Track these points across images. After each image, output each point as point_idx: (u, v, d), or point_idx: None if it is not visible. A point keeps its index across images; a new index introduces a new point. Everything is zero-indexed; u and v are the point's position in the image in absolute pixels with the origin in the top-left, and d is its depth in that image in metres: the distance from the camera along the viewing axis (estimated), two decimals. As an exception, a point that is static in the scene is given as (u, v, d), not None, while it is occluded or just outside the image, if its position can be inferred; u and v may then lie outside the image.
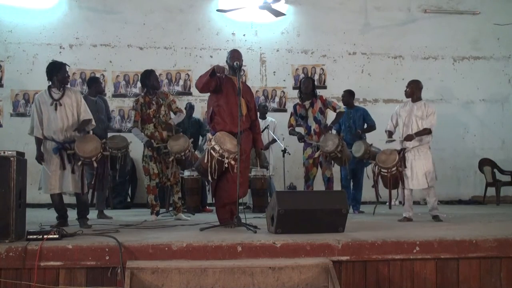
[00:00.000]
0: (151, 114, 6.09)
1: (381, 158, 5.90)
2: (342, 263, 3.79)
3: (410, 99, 5.97)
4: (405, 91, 5.98)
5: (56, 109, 5.08)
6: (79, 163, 5.04)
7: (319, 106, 6.59)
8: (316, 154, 6.42)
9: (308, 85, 6.66)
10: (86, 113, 5.26)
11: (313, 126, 6.55)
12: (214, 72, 4.99)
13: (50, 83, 5.20)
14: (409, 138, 5.74)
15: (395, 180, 5.85)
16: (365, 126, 7.51)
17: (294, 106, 6.79)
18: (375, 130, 7.47)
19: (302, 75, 9.73)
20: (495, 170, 9.47)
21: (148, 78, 6.18)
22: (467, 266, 3.96)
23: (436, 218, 5.73)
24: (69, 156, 5.04)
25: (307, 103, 6.61)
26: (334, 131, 6.86)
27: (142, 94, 6.34)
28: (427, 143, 5.77)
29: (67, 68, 5.35)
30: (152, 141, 6.07)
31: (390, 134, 6.04)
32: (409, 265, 3.89)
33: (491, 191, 9.32)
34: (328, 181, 6.52)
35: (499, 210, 7.88)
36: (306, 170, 6.56)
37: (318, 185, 6.80)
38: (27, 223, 4.15)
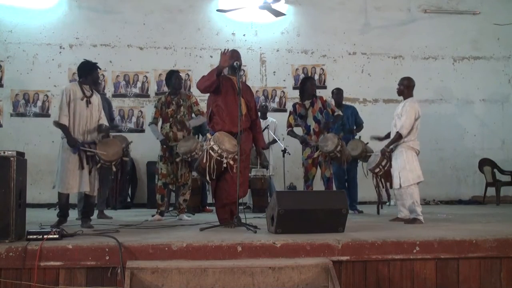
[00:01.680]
0: (169, 114, 6.19)
1: (369, 160, 6.01)
2: (342, 263, 3.79)
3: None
4: (397, 89, 5.91)
5: (87, 106, 5.08)
6: (98, 165, 5.04)
7: (319, 106, 6.59)
8: (316, 154, 6.42)
9: (314, 86, 6.72)
10: (104, 118, 5.28)
11: (313, 125, 6.55)
12: (220, 71, 4.99)
13: (81, 79, 5.20)
14: (382, 151, 5.73)
15: (390, 179, 5.83)
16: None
17: (294, 105, 6.79)
18: (362, 129, 7.53)
19: (302, 75, 9.73)
20: (495, 170, 9.47)
21: (170, 78, 6.32)
22: (467, 266, 3.95)
23: (410, 221, 5.42)
24: (88, 157, 5.01)
25: (307, 103, 6.61)
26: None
27: (166, 93, 6.41)
28: (402, 142, 5.59)
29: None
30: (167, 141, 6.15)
31: (387, 134, 5.98)
32: (409, 265, 3.89)
33: (491, 191, 9.32)
34: (328, 181, 6.53)
35: (499, 210, 7.88)
36: (306, 170, 6.56)
37: (318, 185, 6.80)
38: (27, 223, 4.15)
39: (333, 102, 7.31)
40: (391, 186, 5.92)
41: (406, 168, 5.52)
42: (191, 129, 6.38)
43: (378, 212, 6.84)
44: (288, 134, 6.85)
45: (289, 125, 6.76)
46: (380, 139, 6.08)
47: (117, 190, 5.58)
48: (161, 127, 6.27)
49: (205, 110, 6.64)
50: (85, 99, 5.08)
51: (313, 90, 6.68)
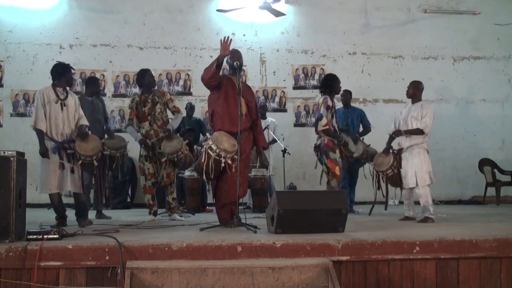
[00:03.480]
0: (146, 112, 6.12)
1: (377, 161, 5.96)
2: (342, 263, 3.79)
3: (410, 100, 5.98)
4: (407, 91, 5.99)
5: (62, 109, 5.08)
6: (79, 162, 5.04)
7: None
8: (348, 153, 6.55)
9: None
10: (83, 118, 5.29)
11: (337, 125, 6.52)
12: (220, 62, 4.96)
13: (55, 82, 5.20)
14: (397, 133, 5.82)
15: (396, 180, 5.87)
16: (361, 127, 7.56)
17: (325, 99, 6.18)
18: (370, 132, 7.52)
19: (302, 75, 9.75)
20: (495, 170, 9.46)
21: (143, 76, 6.23)
22: (467, 266, 3.96)
23: (423, 220, 5.55)
24: (69, 155, 5.03)
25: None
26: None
27: (139, 93, 6.36)
28: (420, 143, 5.73)
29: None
30: (148, 140, 6.08)
31: (391, 138, 5.97)
32: (409, 265, 3.89)
33: (491, 191, 9.31)
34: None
35: (499, 210, 7.87)
36: (339, 169, 6.10)
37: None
38: (27, 223, 4.15)
39: (341, 104, 7.31)
40: (397, 187, 5.96)
41: (423, 169, 5.67)
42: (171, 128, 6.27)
43: (370, 213, 6.82)
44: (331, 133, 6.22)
45: (326, 124, 6.08)
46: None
47: (101, 185, 5.50)
48: (140, 127, 6.17)
49: (181, 107, 6.69)
50: (59, 101, 5.08)
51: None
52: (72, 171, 5.05)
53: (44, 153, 5.01)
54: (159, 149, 6.01)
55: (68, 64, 5.32)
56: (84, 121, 5.27)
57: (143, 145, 6.09)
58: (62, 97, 5.13)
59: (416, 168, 5.69)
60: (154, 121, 6.12)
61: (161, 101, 6.18)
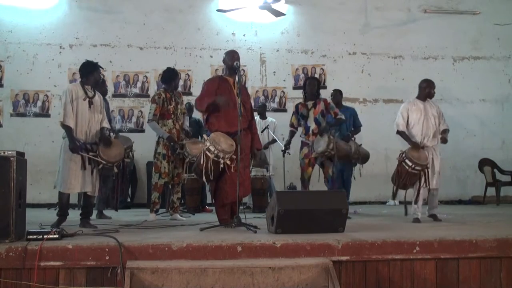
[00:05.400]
0: (171, 110, 6.13)
1: (414, 155, 5.60)
2: (342, 263, 3.80)
3: (415, 97, 6.02)
4: (431, 92, 5.95)
5: (89, 107, 5.05)
6: (100, 166, 5.01)
7: (321, 108, 6.53)
8: (313, 155, 6.41)
9: (314, 86, 6.62)
10: (106, 120, 5.25)
11: (312, 126, 6.51)
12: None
13: (83, 79, 5.18)
14: (445, 141, 5.91)
15: (416, 179, 5.68)
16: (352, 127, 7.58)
17: (296, 105, 6.76)
18: (359, 132, 7.54)
19: (302, 75, 9.74)
20: (495, 170, 9.46)
21: (175, 77, 6.28)
22: (467, 266, 3.96)
23: (435, 217, 5.78)
24: (90, 158, 4.98)
25: (309, 103, 6.58)
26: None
27: (162, 89, 6.31)
28: (437, 143, 5.86)
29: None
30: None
31: (404, 135, 5.86)
32: (409, 265, 3.89)
33: (491, 191, 9.31)
34: (331, 180, 6.46)
35: (499, 210, 7.88)
36: (302, 170, 6.54)
37: (319, 185, 6.79)
38: (27, 223, 4.15)
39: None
40: (408, 187, 5.83)
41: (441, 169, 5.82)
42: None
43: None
44: (289, 134, 6.78)
45: (291, 125, 6.73)
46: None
47: (117, 191, 5.54)
48: (162, 124, 6.12)
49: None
50: (87, 99, 5.06)
51: (313, 90, 6.59)
52: (92, 173, 5.02)
53: (74, 148, 4.86)
54: (181, 149, 6.04)
55: (97, 63, 5.26)
56: (106, 124, 5.23)
57: (171, 143, 6.03)
58: (90, 95, 5.11)
59: (438, 168, 5.78)
60: (176, 120, 6.16)
61: (180, 101, 6.27)
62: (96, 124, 5.12)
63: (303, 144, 6.57)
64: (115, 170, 5.17)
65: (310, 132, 6.51)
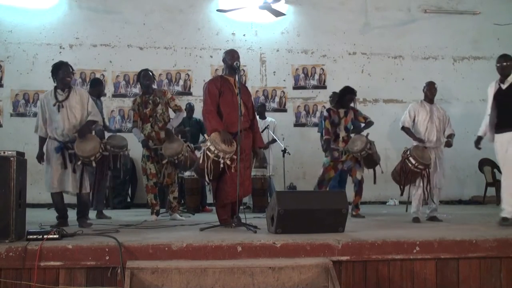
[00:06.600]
0: (147, 114, 6.13)
1: (418, 153, 5.66)
2: (342, 263, 3.80)
3: (422, 99, 6.10)
4: (434, 93, 6.09)
5: (58, 111, 5.07)
6: (79, 162, 5.03)
7: (351, 117, 6.62)
8: (344, 157, 6.42)
9: (352, 100, 6.70)
10: (95, 114, 5.23)
11: (342, 134, 6.53)
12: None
13: (55, 83, 5.20)
14: (450, 145, 6.13)
15: (417, 178, 5.72)
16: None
17: (328, 110, 6.71)
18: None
19: (302, 75, 9.75)
20: (495, 170, 9.45)
21: (139, 77, 6.31)
22: (467, 266, 3.96)
23: (435, 218, 5.79)
24: (71, 155, 5.02)
25: (341, 111, 6.59)
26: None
27: (140, 94, 6.38)
28: (441, 144, 5.97)
29: (70, 69, 5.26)
30: (150, 141, 6.10)
31: (409, 131, 5.98)
32: (409, 265, 3.89)
33: (491, 191, 9.31)
34: (359, 183, 6.44)
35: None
36: (325, 170, 6.49)
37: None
38: (27, 223, 4.15)
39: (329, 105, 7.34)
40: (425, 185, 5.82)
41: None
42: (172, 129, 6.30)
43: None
44: (325, 142, 6.62)
45: (327, 132, 6.55)
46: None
47: (94, 188, 5.47)
48: (142, 128, 6.19)
49: (182, 105, 6.73)
50: (56, 104, 5.08)
51: (350, 102, 6.66)
52: (74, 171, 5.04)
53: (37, 157, 5.23)
54: (160, 150, 6.01)
55: (62, 62, 5.24)
56: (93, 117, 5.21)
57: (145, 147, 6.12)
58: (61, 98, 5.10)
59: (445, 168, 5.94)
60: (155, 122, 6.13)
61: (162, 101, 6.16)
62: (73, 124, 5.10)
63: (331, 149, 6.50)
64: (93, 164, 5.07)
65: (340, 139, 6.53)
